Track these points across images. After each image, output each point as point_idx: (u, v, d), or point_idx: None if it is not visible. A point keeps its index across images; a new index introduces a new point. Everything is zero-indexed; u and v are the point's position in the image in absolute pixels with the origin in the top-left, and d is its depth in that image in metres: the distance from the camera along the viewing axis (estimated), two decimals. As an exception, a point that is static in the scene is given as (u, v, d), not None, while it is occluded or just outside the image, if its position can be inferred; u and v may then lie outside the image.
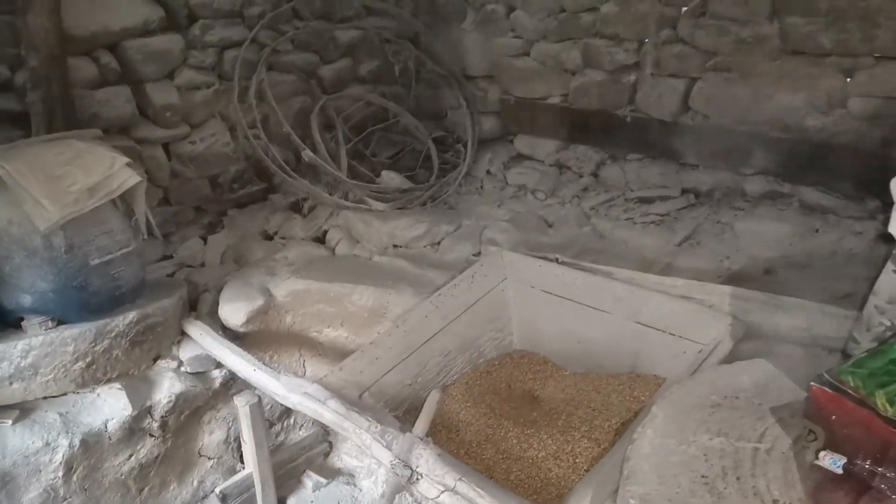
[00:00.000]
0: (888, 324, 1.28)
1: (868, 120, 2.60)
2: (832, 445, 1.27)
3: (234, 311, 2.55)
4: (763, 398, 1.56)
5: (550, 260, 2.56)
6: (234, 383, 2.53)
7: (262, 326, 2.62)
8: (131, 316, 2.31)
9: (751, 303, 2.10)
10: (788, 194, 2.86)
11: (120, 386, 2.28)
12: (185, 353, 2.47)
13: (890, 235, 1.26)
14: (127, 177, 2.27)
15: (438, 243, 3.13)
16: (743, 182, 2.99)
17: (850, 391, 1.25)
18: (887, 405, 1.20)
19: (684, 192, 3.12)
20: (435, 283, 2.72)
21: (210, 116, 3.23)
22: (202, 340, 2.45)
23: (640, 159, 3.37)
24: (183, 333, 2.54)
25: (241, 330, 2.59)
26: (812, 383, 1.31)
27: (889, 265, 1.24)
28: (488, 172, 3.77)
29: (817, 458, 1.26)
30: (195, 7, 3.11)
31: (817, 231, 2.66)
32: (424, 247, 3.12)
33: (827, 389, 1.28)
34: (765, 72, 2.80)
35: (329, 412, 1.93)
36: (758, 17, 2.74)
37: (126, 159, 2.30)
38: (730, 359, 1.93)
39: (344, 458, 2.69)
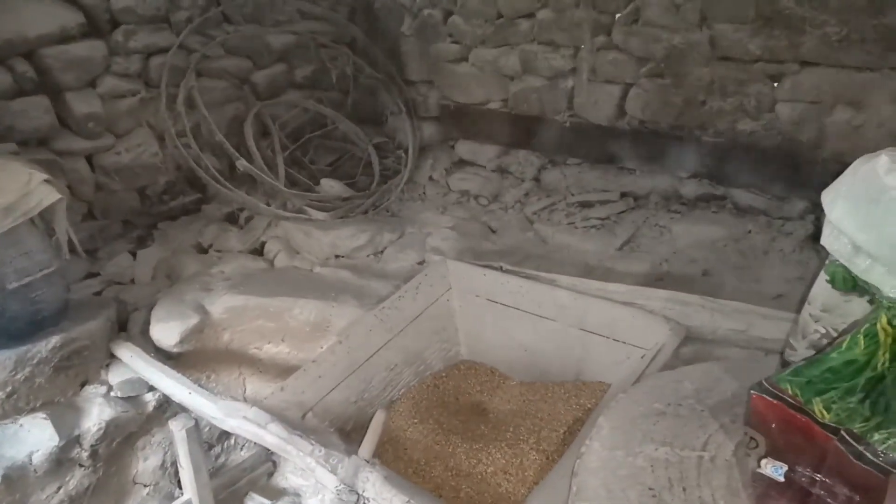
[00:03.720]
0: (823, 331, 1.31)
1: (795, 124, 2.70)
2: (774, 453, 1.29)
3: (166, 331, 2.44)
4: (705, 404, 1.58)
5: (495, 268, 2.55)
6: (168, 406, 2.42)
7: (197, 346, 2.51)
8: (54, 341, 2.19)
9: (690, 307, 2.14)
10: (722, 196, 2.94)
11: (45, 415, 2.16)
12: (115, 376, 2.35)
13: (818, 237, 1.30)
14: (45, 194, 2.14)
15: (381, 252, 3.08)
16: (679, 185, 3.06)
17: (788, 399, 1.27)
18: (824, 412, 1.23)
19: (623, 195, 3.17)
20: (379, 293, 2.67)
21: (136, 126, 3.08)
22: (133, 363, 2.34)
23: (580, 164, 3.40)
24: (112, 356, 2.41)
25: (175, 350, 2.47)
26: (752, 391, 1.33)
27: (822, 275, 1.27)
28: (431, 178, 3.74)
29: (759, 465, 1.27)
30: (117, 12, 2.96)
31: (750, 232, 2.74)
32: (367, 256, 3.06)
33: (766, 397, 1.30)
34: (696, 77, 2.86)
35: (270, 436, 1.86)
36: (688, 25, 2.80)
37: (44, 175, 2.17)
38: (672, 363, 1.96)
39: (289, 476, 2.60)
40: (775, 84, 2.70)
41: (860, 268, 1.11)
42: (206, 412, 2.07)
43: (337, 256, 3.04)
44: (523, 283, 2.42)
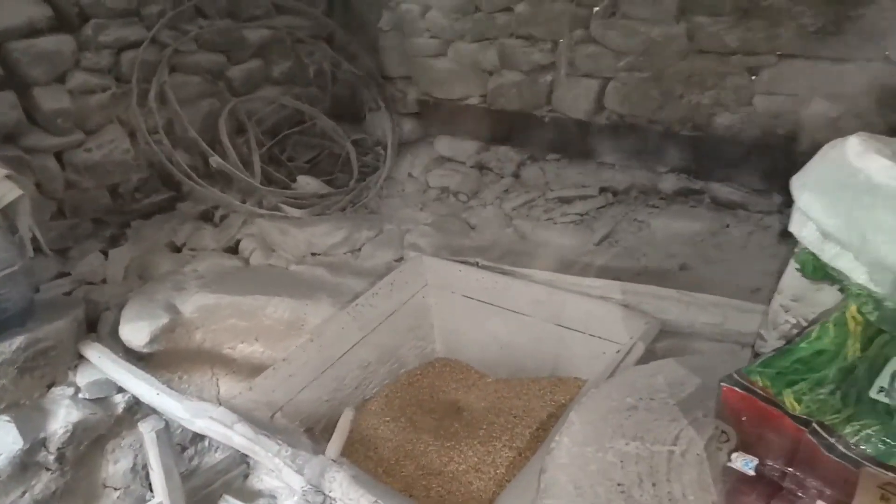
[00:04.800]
0: (794, 321, 1.28)
1: (773, 117, 2.68)
2: (744, 446, 1.26)
3: (136, 331, 2.38)
4: (677, 398, 1.55)
5: (471, 264, 2.51)
6: (139, 408, 2.37)
7: (168, 346, 2.46)
8: (18, 341, 2.13)
9: (666, 301, 2.11)
10: (700, 191, 2.92)
11: (8, 418, 2.10)
12: (83, 378, 2.30)
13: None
14: (6, 190, 2.08)
15: (359, 249, 3.04)
16: (657, 180, 3.03)
17: (759, 391, 1.24)
18: (795, 404, 1.20)
19: (602, 190, 3.14)
20: (355, 291, 2.63)
21: (107, 122, 3.01)
22: (101, 364, 2.29)
23: (559, 159, 3.37)
24: (80, 357, 2.35)
25: (146, 350, 2.41)
26: (722, 383, 1.30)
27: (792, 264, 1.24)
28: (410, 175, 3.70)
29: (730, 459, 1.24)
30: (87, 6, 2.89)
31: (728, 226, 2.72)
32: (344, 254, 3.01)
33: (737, 389, 1.27)
34: (674, 71, 2.84)
35: (238, 437, 1.81)
36: (666, 17, 2.78)
37: (5, 171, 2.11)
38: (647, 357, 1.93)
39: (264, 479, 2.55)
40: (753, 77, 2.68)
41: (829, 255, 1.08)
42: (174, 413, 2.02)
43: (313, 254, 2.99)
44: (499, 279, 2.39)
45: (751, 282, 2.35)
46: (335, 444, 1.61)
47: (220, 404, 2.04)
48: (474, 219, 3.22)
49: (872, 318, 1.05)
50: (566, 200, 3.15)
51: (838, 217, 1.05)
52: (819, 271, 1.18)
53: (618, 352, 1.96)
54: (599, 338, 2.15)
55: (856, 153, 1.04)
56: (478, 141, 3.65)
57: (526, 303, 2.32)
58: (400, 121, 3.81)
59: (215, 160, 3.02)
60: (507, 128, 3.50)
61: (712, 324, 2.04)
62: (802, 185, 1.14)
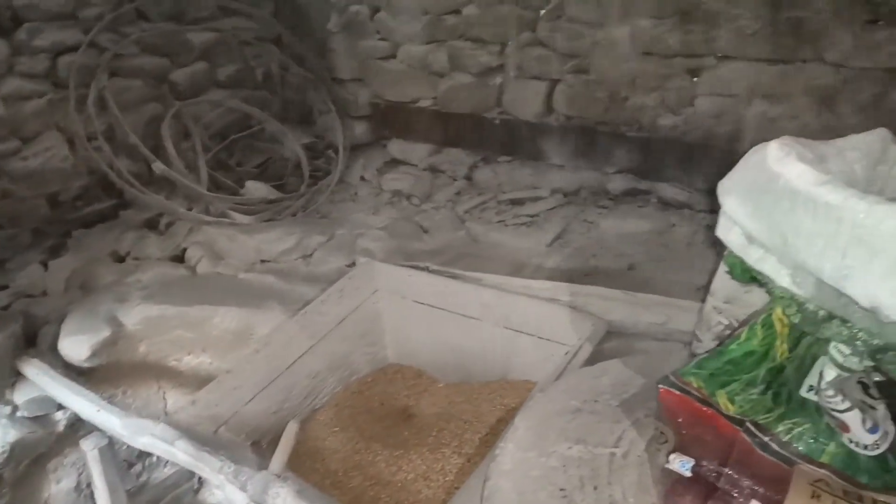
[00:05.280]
0: (726, 322, 1.30)
1: (714, 117, 2.73)
2: (681, 447, 1.27)
3: (75, 345, 2.31)
4: (620, 399, 1.56)
5: (421, 268, 2.50)
6: (81, 425, 2.30)
7: (111, 359, 2.39)
8: (-51, 359, 2.07)
9: (612, 301, 2.14)
10: (647, 191, 2.96)
11: (-59, 440, 2.02)
12: (22, 395, 2.22)
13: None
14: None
15: (310, 255, 3.00)
16: (606, 181, 3.07)
17: (694, 392, 1.26)
18: (729, 404, 1.22)
19: (553, 192, 3.16)
20: (307, 298, 2.59)
21: (45, 129, 2.93)
22: (39, 380, 2.21)
23: (510, 161, 3.38)
24: (18, 374, 2.27)
25: (86, 365, 2.34)
26: (659, 385, 1.31)
27: (722, 266, 1.26)
28: (362, 179, 3.67)
29: (667, 461, 1.26)
30: (19, 9, 2.80)
31: (673, 226, 2.76)
32: (295, 260, 2.97)
33: (673, 391, 1.29)
34: (619, 73, 2.88)
35: (181, 453, 1.77)
36: (610, 20, 2.81)
37: (-71, 183, 2.02)
38: (594, 359, 1.95)
39: (216, 492, 2.50)
40: (694, 78, 2.72)
41: (753, 258, 1.10)
42: (115, 430, 1.96)
43: (263, 261, 2.94)
44: (449, 283, 2.38)
45: (695, 279, 2.39)
46: (278, 459, 1.58)
47: (160, 420, 1.99)
48: (427, 222, 3.21)
49: (796, 319, 1.08)
50: (518, 202, 3.16)
51: (761, 221, 1.07)
52: (747, 274, 1.20)
53: (566, 354, 1.97)
54: (548, 340, 2.16)
55: (775, 158, 1.06)
56: (430, 143, 3.64)
57: (475, 307, 2.32)
58: (351, 124, 3.78)
59: (158, 166, 2.95)
60: (459, 130, 3.50)
61: (657, 323, 2.07)
62: (728, 190, 1.16)
